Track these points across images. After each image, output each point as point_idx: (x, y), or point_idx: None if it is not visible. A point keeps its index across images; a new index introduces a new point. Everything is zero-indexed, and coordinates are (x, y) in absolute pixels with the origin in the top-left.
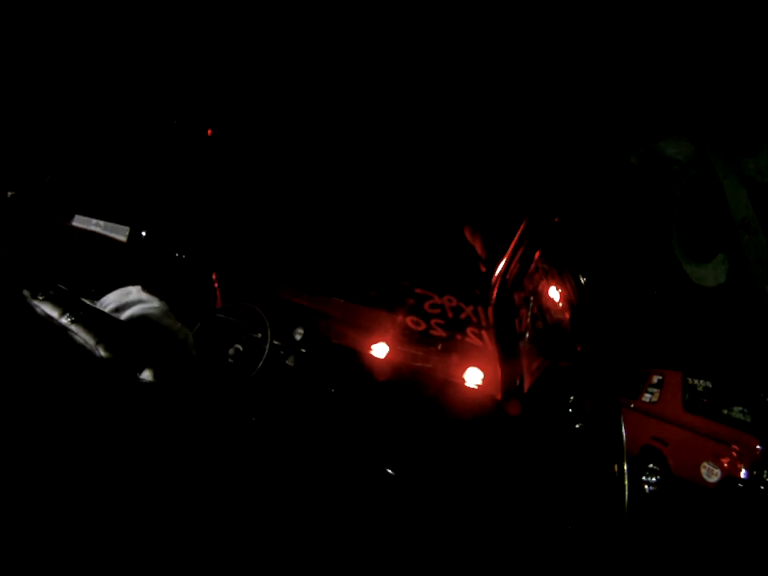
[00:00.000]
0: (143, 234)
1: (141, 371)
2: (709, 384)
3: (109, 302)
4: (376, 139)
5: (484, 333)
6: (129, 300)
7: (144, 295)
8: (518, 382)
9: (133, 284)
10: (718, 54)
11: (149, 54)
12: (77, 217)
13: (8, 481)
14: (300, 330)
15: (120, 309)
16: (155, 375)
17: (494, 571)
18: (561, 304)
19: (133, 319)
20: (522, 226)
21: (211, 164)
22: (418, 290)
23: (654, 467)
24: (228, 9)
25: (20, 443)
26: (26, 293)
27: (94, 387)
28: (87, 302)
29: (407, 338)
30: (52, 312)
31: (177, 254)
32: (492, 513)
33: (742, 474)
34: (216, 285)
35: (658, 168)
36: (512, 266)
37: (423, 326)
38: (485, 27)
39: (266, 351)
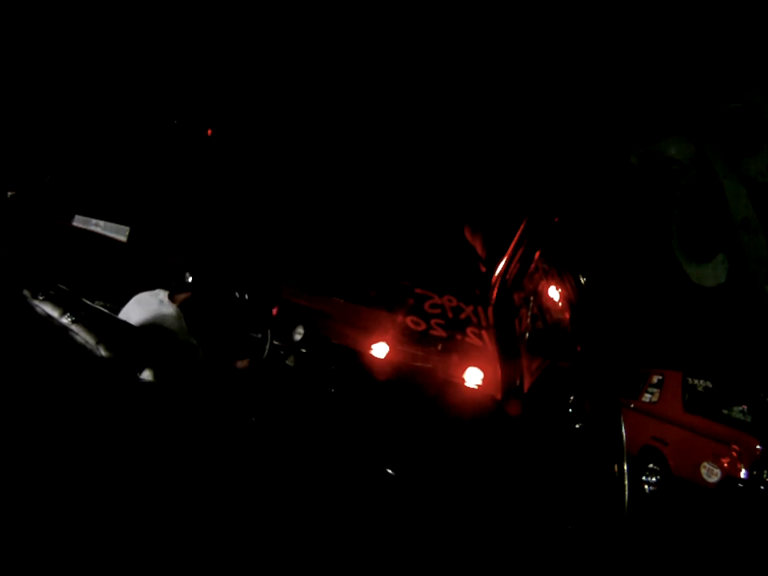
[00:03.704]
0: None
1: (141, 371)
2: (709, 384)
3: (133, 306)
4: (376, 140)
5: (484, 333)
6: (150, 303)
7: (166, 299)
8: (518, 382)
9: (133, 284)
10: (718, 55)
11: (149, 54)
12: (77, 217)
13: (8, 481)
14: (300, 330)
15: (140, 312)
16: (155, 375)
17: (494, 571)
18: (561, 304)
19: (143, 321)
20: (522, 226)
21: (211, 164)
22: (418, 290)
23: (654, 467)
24: (227, 9)
25: (20, 443)
26: (26, 293)
27: (95, 387)
28: (88, 302)
29: (407, 338)
30: (52, 312)
31: (178, 255)
32: (492, 513)
33: (742, 474)
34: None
35: (658, 168)
36: (512, 266)
37: (423, 326)
38: (485, 28)
39: (266, 351)
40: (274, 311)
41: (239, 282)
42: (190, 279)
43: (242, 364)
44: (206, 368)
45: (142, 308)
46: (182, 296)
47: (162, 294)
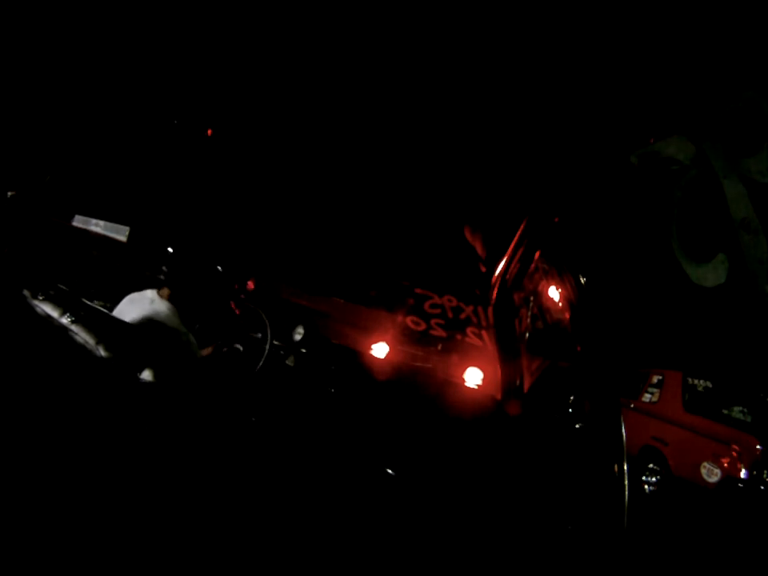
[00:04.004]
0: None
1: (141, 371)
2: (709, 384)
3: (126, 307)
4: (376, 140)
5: (484, 333)
6: (142, 302)
7: (156, 297)
8: (518, 382)
9: (133, 283)
10: (717, 55)
11: (149, 54)
12: (77, 217)
13: (8, 480)
14: (300, 330)
15: (132, 311)
16: (155, 375)
17: (494, 571)
18: (561, 304)
19: (140, 320)
20: (522, 226)
21: (211, 164)
22: (418, 290)
23: (654, 467)
24: (227, 9)
25: (20, 443)
26: (26, 293)
27: (95, 387)
28: (88, 302)
29: (407, 338)
30: (52, 312)
31: (179, 255)
32: (492, 513)
33: (742, 474)
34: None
35: (658, 168)
36: (512, 266)
37: (423, 326)
38: (485, 28)
39: (266, 351)
40: (250, 284)
41: (213, 258)
42: (166, 268)
43: (206, 351)
44: (203, 366)
45: (136, 307)
46: (168, 290)
47: (150, 293)
